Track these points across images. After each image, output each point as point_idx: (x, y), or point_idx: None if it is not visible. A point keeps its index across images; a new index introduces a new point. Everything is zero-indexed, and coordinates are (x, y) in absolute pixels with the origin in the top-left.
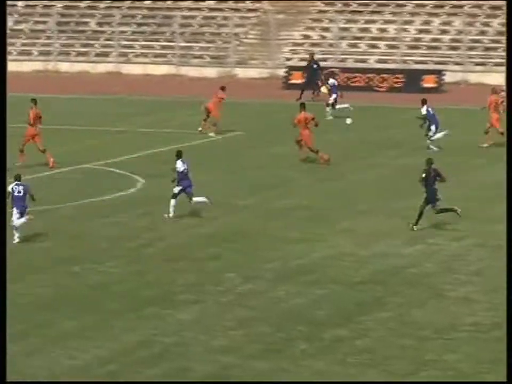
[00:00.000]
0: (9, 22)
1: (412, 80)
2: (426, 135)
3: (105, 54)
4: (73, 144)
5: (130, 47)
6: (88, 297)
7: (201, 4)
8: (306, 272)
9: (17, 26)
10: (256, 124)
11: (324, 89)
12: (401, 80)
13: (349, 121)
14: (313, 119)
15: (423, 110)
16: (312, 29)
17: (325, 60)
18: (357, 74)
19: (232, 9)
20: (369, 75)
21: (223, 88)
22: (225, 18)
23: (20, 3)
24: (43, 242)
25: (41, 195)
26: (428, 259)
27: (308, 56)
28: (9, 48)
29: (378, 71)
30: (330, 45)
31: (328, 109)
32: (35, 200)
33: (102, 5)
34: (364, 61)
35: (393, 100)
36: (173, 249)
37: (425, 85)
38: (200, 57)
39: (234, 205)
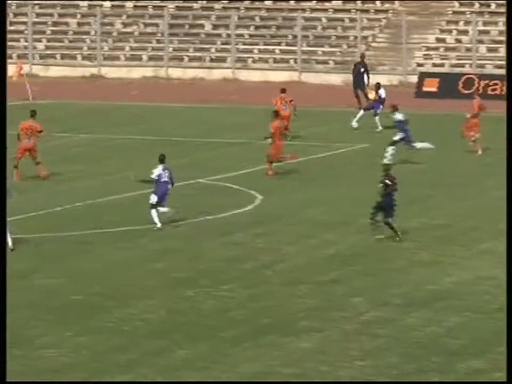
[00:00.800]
0: (117, 25)
1: None
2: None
3: (221, 59)
4: (185, 157)
5: (248, 51)
6: (202, 324)
7: (326, 5)
8: (439, 298)
9: (126, 29)
10: (384, 135)
11: (370, 95)
12: None
13: (355, 125)
14: (286, 128)
15: (399, 117)
16: (447, 31)
17: (461, 65)
18: (496, 82)
19: (359, 10)
20: None
21: (284, 91)
22: (351, 20)
23: (128, 3)
24: (156, 263)
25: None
26: None
27: (440, 61)
28: (117, 53)
29: None
30: (467, 49)
31: (377, 119)
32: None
33: (217, 5)
34: (504, 67)
35: None
36: (293, 271)
37: None
38: (324, 62)
39: (361, 224)
